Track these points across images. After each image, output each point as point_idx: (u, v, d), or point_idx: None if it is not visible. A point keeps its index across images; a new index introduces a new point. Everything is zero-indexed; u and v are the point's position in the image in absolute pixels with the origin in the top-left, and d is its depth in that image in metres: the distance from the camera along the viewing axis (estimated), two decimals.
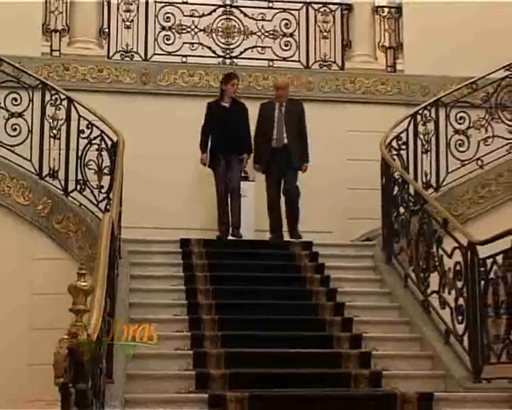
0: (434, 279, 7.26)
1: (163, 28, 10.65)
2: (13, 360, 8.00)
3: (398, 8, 11.17)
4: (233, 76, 9.80)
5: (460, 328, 6.72)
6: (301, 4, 10.97)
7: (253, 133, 9.73)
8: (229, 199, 9.54)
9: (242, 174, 9.93)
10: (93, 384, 4.17)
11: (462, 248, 6.75)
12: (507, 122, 9.37)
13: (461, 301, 6.71)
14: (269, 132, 9.56)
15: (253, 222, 9.74)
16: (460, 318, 6.72)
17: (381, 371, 6.48)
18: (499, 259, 6.31)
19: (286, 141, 9.48)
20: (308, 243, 8.90)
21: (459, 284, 6.74)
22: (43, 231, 8.44)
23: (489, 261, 6.40)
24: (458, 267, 6.75)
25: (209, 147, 9.61)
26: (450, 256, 6.95)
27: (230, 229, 9.46)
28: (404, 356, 6.88)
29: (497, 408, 5.94)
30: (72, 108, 8.64)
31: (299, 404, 5.87)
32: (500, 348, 6.25)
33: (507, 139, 9.33)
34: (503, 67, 9.45)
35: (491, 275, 6.41)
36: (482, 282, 6.49)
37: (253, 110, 9.53)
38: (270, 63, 10.80)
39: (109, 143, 8.43)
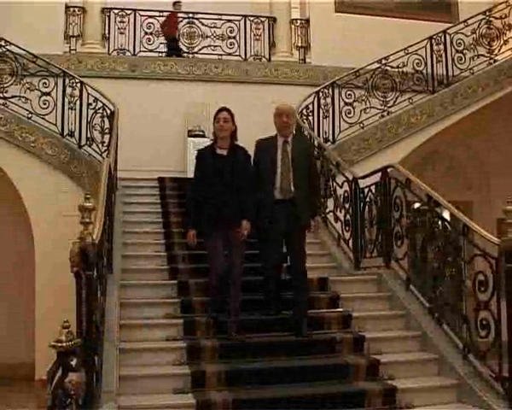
0: (330, 203, 7.35)
1: (146, 33, 10.59)
2: (45, 257, 7.97)
3: (307, 21, 11.14)
4: (220, 109, 5.32)
5: (347, 235, 6.82)
6: (241, 17, 10.88)
7: None
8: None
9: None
10: (98, 273, 4.17)
11: (348, 181, 6.83)
12: (379, 98, 9.38)
13: (347, 216, 6.82)
14: (270, 179, 5.29)
15: None
16: (347, 228, 6.83)
17: None
18: (373, 188, 6.41)
19: (293, 191, 5.30)
20: None
21: (346, 206, 6.85)
22: (65, 173, 8.33)
23: (366, 190, 6.50)
24: (346, 194, 6.85)
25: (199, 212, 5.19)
26: (341, 187, 7.03)
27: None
28: (308, 254, 6.87)
29: (369, 285, 6.13)
30: (84, 89, 8.47)
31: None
32: (372, 248, 6.40)
33: (378, 109, 9.33)
34: (376, 61, 9.40)
35: (367, 199, 6.52)
36: (361, 204, 6.59)
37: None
38: (220, 57, 10.68)
39: (109, 112, 8.27)
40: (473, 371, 4.69)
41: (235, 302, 5.07)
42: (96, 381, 3.85)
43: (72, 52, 10.25)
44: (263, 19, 11.06)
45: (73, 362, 2.92)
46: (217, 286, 5.12)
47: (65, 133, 8.42)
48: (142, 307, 5.39)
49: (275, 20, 11.12)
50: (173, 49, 10.81)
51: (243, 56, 10.80)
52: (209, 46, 10.72)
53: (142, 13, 10.62)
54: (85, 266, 3.67)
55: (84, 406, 3.26)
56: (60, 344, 2.80)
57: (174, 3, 11.05)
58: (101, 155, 8.20)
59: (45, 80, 8.51)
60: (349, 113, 9.17)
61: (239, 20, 10.87)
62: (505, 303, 4.37)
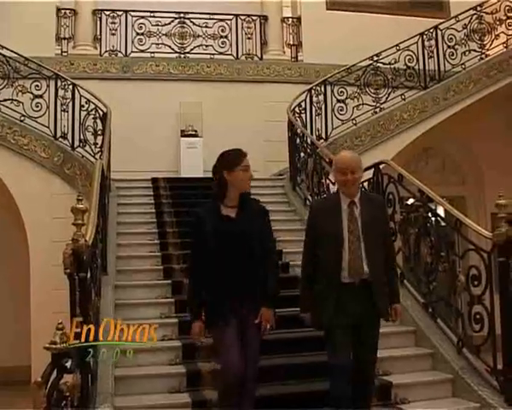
0: None
1: (137, 34, 10.51)
2: (40, 260, 7.96)
3: (298, 19, 11.10)
4: (242, 152, 3.87)
5: None
6: (232, 16, 10.85)
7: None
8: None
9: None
10: (91, 275, 4.17)
11: None
12: (371, 94, 9.42)
13: None
14: (335, 256, 3.78)
15: (201, 165, 9.43)
16: None
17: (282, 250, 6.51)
18: (366, 185, 6.40)
19: (367, 271, 3.78)
20: None
21: None
22: (58, 175, 8.32)
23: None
24: None
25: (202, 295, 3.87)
26: (334, 184, 6.96)
27: None
28: (294, 241, 6.80)
29: None
30: (76, 91, 8.45)
31: None
32: None
33: (371, 106, 9.36)
34: (368, 58, 9.44)
35: None
36: None
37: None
38: (212, 56, 10.63)
39: (101, 113, 8.27)
40: (467, 365, 4.72)
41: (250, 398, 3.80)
42: (92, 382, 3.86)
43: (64, 54, 10.19)
44: (254, 17, 11.05)
45: (68, 364, 2.92)
46: (231, 385, 3.66)
47: (58, 135, 8.40)
48: (136, 307, 5.41)
49: (266, 18, 11.10)
50: None
51: (235, 55, 10.77)
52: (201, 46, 10.67)
53: (133, 14, 10.56)
54: (78, 268, 3.67)
55: (80, 407, 3.26)
56: (54, 346, 2.80)
57: None
58: (94, 156, 8.18)
59: (37, 83, 8.50)
60: (341, 110, 9.21)
61: (230, 20, 10.84)
62: (498, 297, 4.39)
